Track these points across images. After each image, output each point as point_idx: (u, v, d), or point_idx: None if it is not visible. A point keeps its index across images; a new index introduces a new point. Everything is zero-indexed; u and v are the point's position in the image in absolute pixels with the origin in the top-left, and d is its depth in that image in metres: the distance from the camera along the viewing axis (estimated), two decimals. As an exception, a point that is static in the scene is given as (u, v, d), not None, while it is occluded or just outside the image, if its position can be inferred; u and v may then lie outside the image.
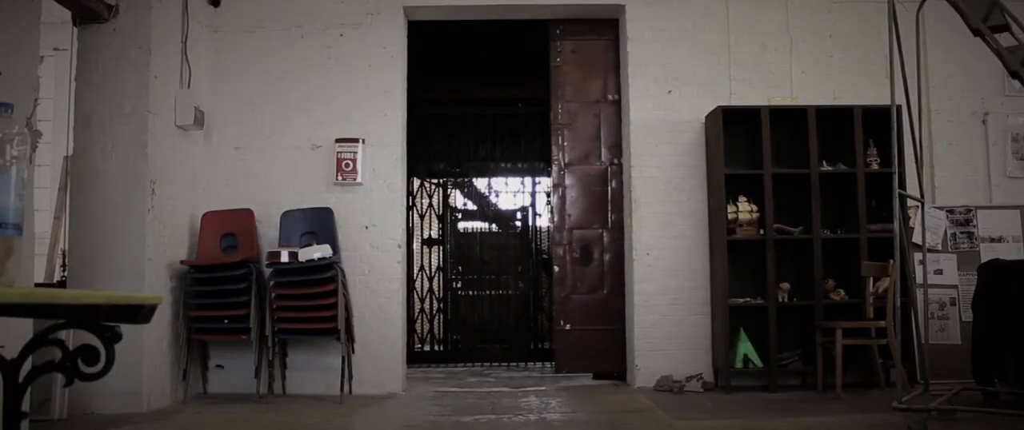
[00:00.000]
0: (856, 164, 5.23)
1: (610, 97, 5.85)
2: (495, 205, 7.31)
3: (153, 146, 4.68)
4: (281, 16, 5.51)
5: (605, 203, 5.80)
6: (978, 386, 4.40)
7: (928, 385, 4.13)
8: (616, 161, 5.82)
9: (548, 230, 6.90)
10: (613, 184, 5.81)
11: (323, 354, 5.20)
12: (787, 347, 5.26)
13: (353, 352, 5.18)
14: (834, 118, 5.36)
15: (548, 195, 5.87)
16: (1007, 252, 5.30)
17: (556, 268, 5.79)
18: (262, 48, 5.49)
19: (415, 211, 6.51)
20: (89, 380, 1.57)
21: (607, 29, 5.91)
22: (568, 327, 5.71)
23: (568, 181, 5.83)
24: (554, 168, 5.87)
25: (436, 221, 6.73)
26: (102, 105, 4.63)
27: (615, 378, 5.70)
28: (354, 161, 5.35)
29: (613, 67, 5.86)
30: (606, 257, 5.76)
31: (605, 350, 5.69)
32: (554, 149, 5.87)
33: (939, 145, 5.65)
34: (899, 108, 4.47)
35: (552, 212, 5.93)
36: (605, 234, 5.78)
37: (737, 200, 5.32)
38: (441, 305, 6.67)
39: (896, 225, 3.91)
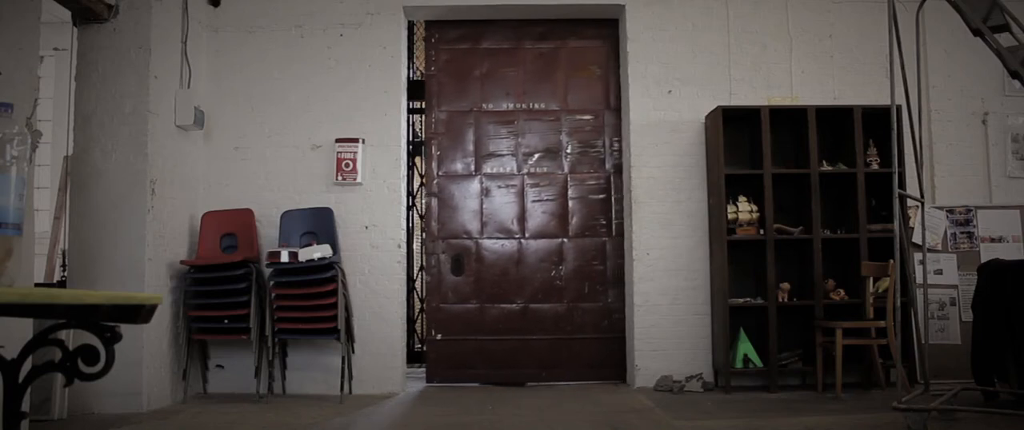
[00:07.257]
0: (856, 164, 5.22)
1: (486, 106, 5.79)
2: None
3: (153, 146, 4.68)
4: (281, 16, 5.52)
5: (478, 216, 5.75)
6: (978, 386, 4.40)
7: (928, 385, 4.13)
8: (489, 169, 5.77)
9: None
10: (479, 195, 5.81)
11: (323, 354, 5.21)
12: (787, 347, 5.26)
13: (353, 352, 5.18)
14: (834, 118, 5.36)
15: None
16: (1007, 252, 5.30)
17: (428, 278, 5.74)
18: (262, 48, 5.49)
19: (415, 211, 6.49)
20: (89, 380, 1.57)
21: (483, 34, 5.82)
22: (439, 337, 5.66)
23: (441, 192, 5.76)
24: (427, 178, 5.80)
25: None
26: (102, 105, 4.63)
27: (510, 384, 5.63)
28: (354, 161, 5.35)
29: (482, 78, 5.81)
30: (477, 266, 5.69)
31: (477, 360, 5.63)
32: (427, 159, 5.80)
33: (939, 145, 5.65)
34: (899, 108, 4.48)
35: (425, 222, 5.84)
36: (476, 245, 5.72)
37: (737, 200, 5.32)
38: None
39: (896, 225, 3.91)
